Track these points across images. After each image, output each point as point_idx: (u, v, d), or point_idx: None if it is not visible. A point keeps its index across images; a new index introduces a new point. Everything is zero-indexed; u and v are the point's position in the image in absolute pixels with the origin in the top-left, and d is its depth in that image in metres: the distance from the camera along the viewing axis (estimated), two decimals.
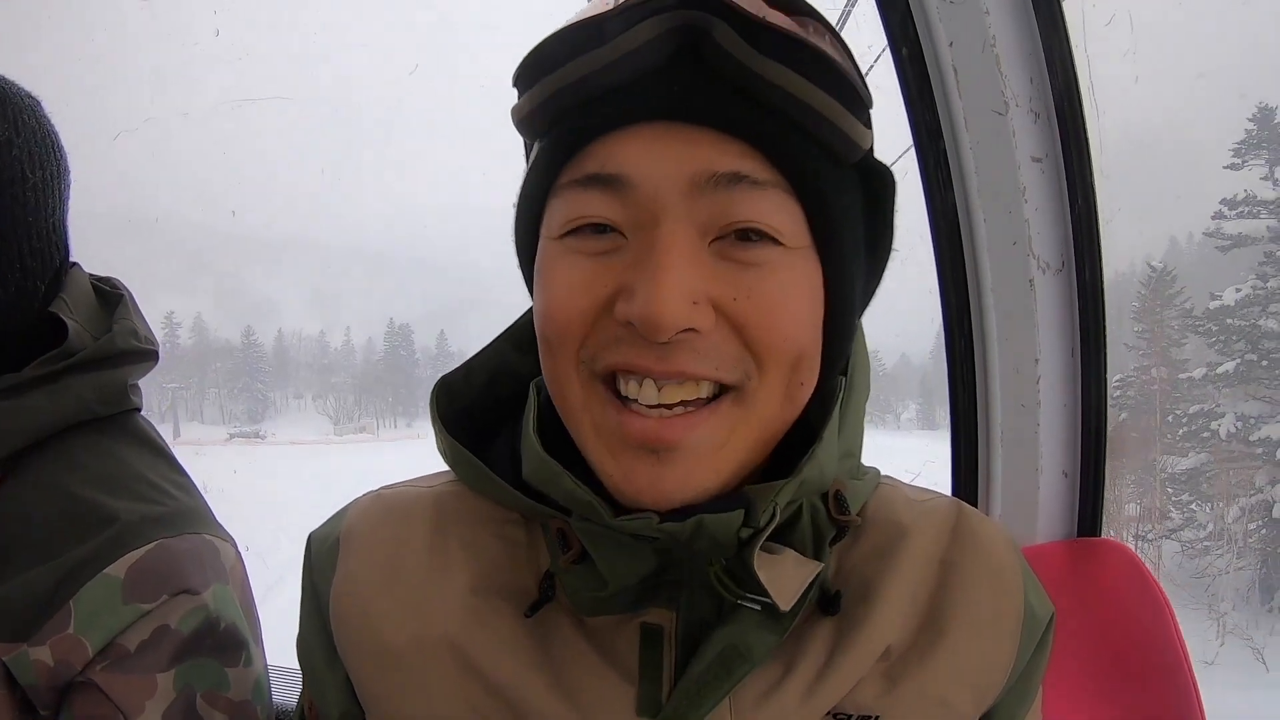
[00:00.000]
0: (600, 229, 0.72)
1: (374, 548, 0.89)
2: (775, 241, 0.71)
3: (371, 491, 0.96)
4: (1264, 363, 25.14)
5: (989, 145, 1.29)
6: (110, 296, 1.21)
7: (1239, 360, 25.60)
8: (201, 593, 1.01)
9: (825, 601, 0.83)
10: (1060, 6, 1.25)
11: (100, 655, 0.95)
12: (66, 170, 1.15)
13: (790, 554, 0.78)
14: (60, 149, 1.14)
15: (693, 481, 0.74)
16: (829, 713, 0.81)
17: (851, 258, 0.76)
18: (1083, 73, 1.27)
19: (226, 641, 1.03)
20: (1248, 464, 25.33)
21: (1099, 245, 1.32)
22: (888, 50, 1.32)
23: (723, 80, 0.69)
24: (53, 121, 1.15)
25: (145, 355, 1.19)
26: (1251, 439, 24.90)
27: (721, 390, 0.74)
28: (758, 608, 0.78)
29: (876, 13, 1.30)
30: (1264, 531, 25.48)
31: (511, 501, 0.86)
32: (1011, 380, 1.37)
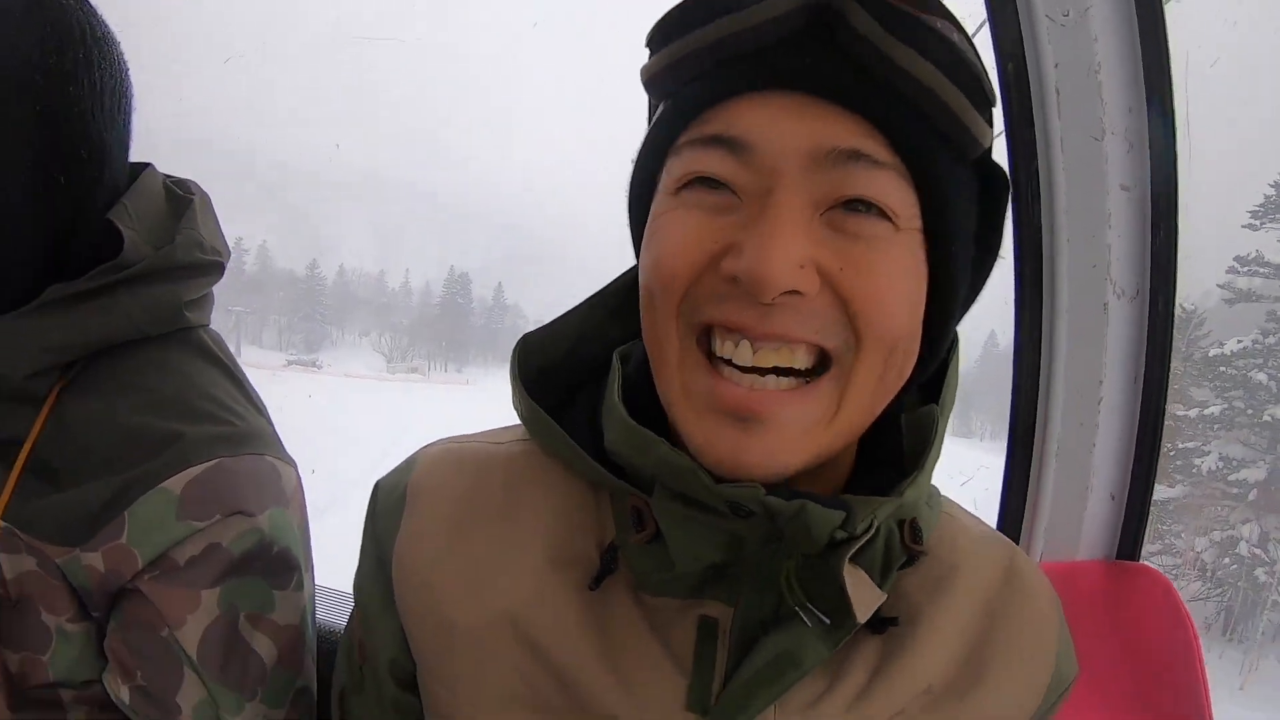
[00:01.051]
0: (716, 185, 0.68)
1: (441, 508, 0.83)
2: (888, 219, 0.66)
3: (442, 442, 0.90)
4: (1249, 411, 25.13)
5: (1081, 169, 1.21)
6: (180, 201, 1.10)
7: (1225, 405, 25.65)
8: (257, 515, 0.96)
9: (878, 623, 0.77)
10: (1166, 39, 1.18)
11: (149, 566, 0.91)
12: (125, 78, 1.02)
13: (862, 574, 0.73)
14: (111, 45, 1.00)
15: (777, 457, 0.68)
16: None
17: (960, 251, 0.71)
18: (1180, 107, 1.20)
19: (278, 565, 0.99)
20: (1224, 502, 25.34)
21: (1175, 277, 1.24)
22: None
23: (852, 59, 0.65)
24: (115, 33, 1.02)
25: (208, 268, 1.08)
26: (1230, 479, 24.92)
27: (816, 371, 0.69)
28: (826, 620, 0.73)
29: (988, 27, 1.23)
30: (1232, 566, 25.50)
31: (590, 473, 0.79)
32: (1075, 399, 1.29)
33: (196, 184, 1.13)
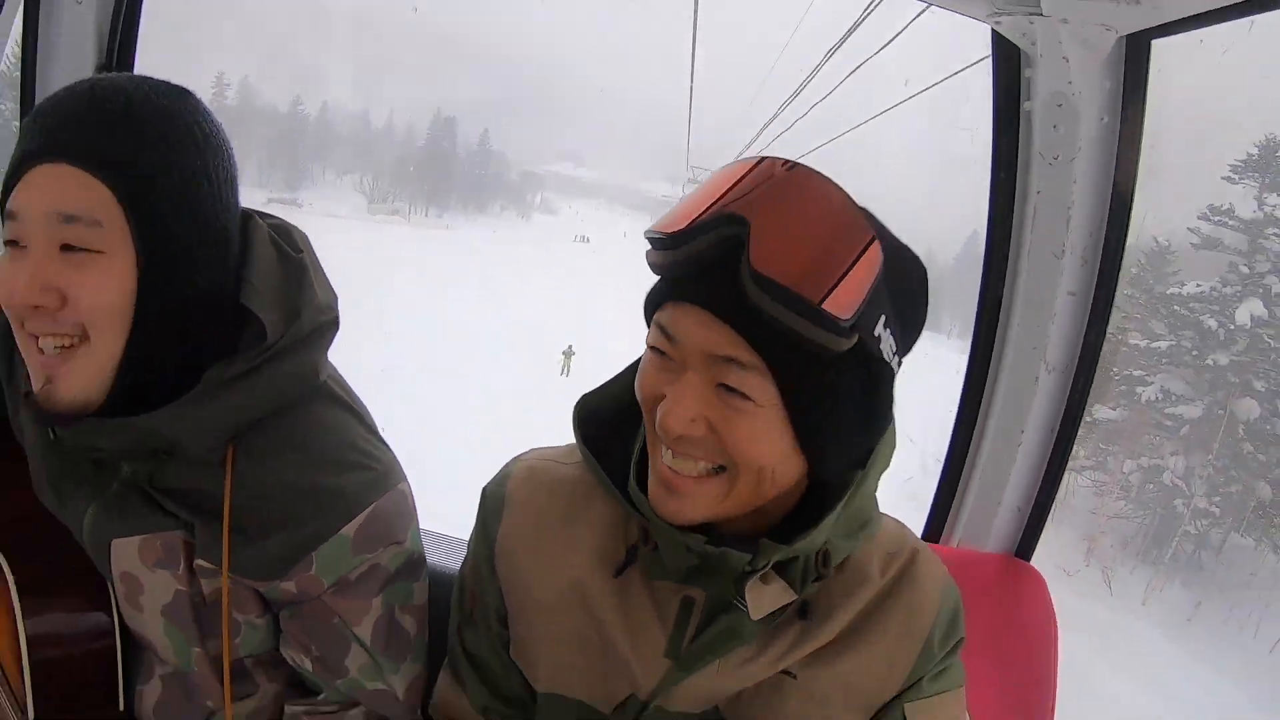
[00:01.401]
0: (662, 353, 0.99)
1: (528, 513, 1.18)
2: (750, 399, 0.94)
3: (528, 461, 1.24)
4: (1195, 352, 25.45)
5: (1039, 278, 1.50)
6: (292, 264, 1.18)
7: (1174, 342, 25.94)
8: (404, 541, 1.19)
9: (802, 612, 1.09)
10: (1134, 186, 1.44)
11: (331, 586, 1.13)
12: (224, 157, 1.09)
13: (779, 584, 1.05)
14: (211, 139, 1.07)
15: (684, 514, 1.01)
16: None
17: (821, 418, 0.97)
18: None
19: (415, 567, 1.22)
20: (1158, 432, 25.93)
21: (1096, 362, 1.56)
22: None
23: (739, 296, 0.90)
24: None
25: (329, 326, 1.19)
26: (1167, 411, 25.43)
27: (719, 469, 0.99)
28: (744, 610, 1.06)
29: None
30: (1155, 493, 26.35)
31: (620, 503, 1.12)
32: (1000, 441, 1.63)
33: (297, 230, 1.22)
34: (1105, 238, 1.46)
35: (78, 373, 1.02)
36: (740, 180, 0.93)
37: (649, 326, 1.02)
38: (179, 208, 1.03)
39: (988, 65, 1.54)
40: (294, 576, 1.11)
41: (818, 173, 0.93)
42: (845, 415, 0.98)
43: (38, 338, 1.02)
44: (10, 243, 1.01)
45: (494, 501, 1.21)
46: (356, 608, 1.16)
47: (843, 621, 1.10)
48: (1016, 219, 1.50)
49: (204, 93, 1.12)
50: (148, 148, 1.01)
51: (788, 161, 0.94)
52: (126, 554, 1.13)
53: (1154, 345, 26.21)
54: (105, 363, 1.03)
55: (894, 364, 0.99)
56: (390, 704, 1.21)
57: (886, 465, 1.09)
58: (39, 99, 1.76)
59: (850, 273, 0.90)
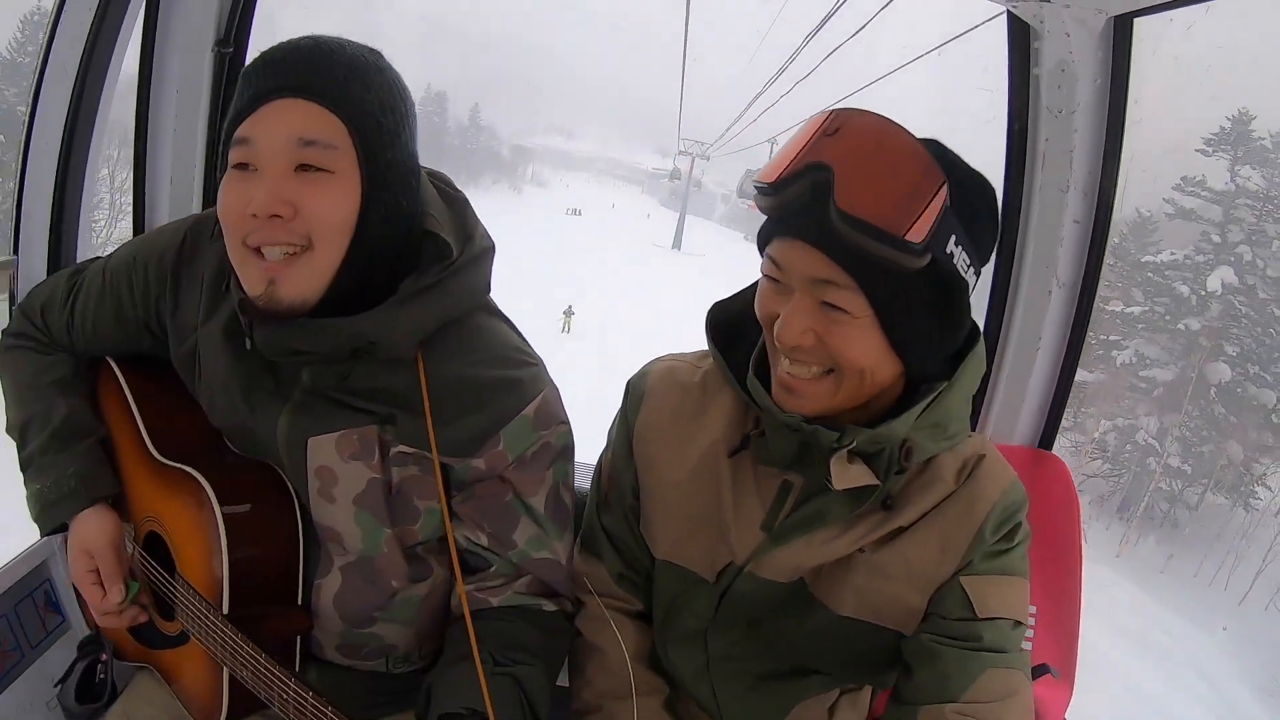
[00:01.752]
0: (775, 280, 1.15)
1: (663, 405, 1.35)
2: (847, 313, 1.09)
3: (665, 361, 1.41)
4: (1168, 317, 25.65)
5: (1049, 207, 1.82)
6: (454, 199, 1.33)
7: (1148, 308, 26.10)
8: (566, 422, 1.33)
9: (884, 503, 1.22)
10: (1122, 132, 1.75)
11: (514, 462, 1.27)
12: (413, 107, 1.22)
13: (861, 467, 1.17)
14: (405, 91, 1.21)
15: (806, 410, 1.16)
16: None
17: (907, 325, 1.10)
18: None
19: (571, 449, 1.35)
20: (1133, 394, 26.18)
21: (1098, 280, 1.86)
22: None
23: (831, 226, 1.04)
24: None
25: (490, 251, 1.32)
26: (1141, 374, 25.69)
27: (828, 371, 1.14)
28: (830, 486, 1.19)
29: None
30: (1130, 452, 26.66)
31: (740, 395, 1.27)
32: (1021, 351, 1.93)
33: (446, 176, 1.37)
34: (1101, 175, 1.77)
35: (300, 275, 1.14)
36: (819, 131, 1.06)
37: (761, 258, 1.17)
38: (392, 143, 1.16)
39: (993, 28, 1.82)
40: (484, 454, 1.25)
41: (887, 120, 1.05)
42: (926, 320, 1.11)
43: (259, 250, 1.13)
44: (240, 166, 1.13)
45: (635, 395, 1.39)
46: (533, 480, 1.29)
47: (914, 514, 1.22)
48: (1029, 162, 1.81)
49: None
50: (371, 92, 1.14)
51: (861, 111, 1.06)
52: (323, 450, 1.24)
53: (1129, 310, 26.44)
54: (325, 269, 1.15)
55: (969, 276, 1.11)
56: (555, 569, 1.33)
57: (974, 383, 1.22)
58: (155, 74, 1.89)
59: (919, 202, 1.02)
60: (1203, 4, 1.53)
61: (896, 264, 1.04)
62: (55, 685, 1.49)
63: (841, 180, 1.02)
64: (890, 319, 1.09)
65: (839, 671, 1.32)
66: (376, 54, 1.18)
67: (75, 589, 1.47)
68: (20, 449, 1.38)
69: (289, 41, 1.15)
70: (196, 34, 1.88)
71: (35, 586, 1.79)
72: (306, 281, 1.15)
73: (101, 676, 1.47)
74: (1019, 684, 1.19)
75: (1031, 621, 1.80)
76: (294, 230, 1.11)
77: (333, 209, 1.13)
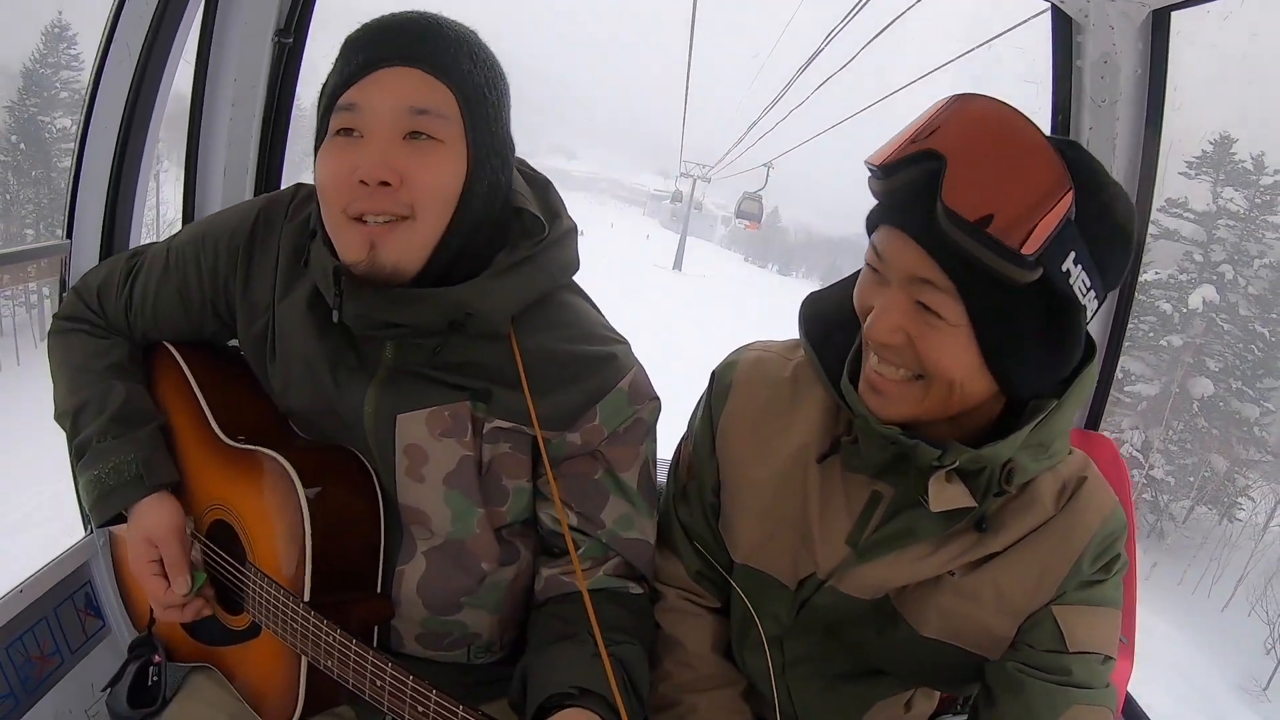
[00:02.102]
0: (875, 270, 1.06)
1: (751, 399, 1.27)
2: (941, 318, 1.00)
3: (754, 350, 1.32)
4: (1152, 334, 25.85)
5: None
6: (536, 179, 1.31)
7: (1134, 326, 26.31)
8: (658, 398, 1.29)
9: (978, 524, 1.13)
10: (1161, 123, 1.75)
11: (609, 436, 1.24)
12: (508, 86, 1.19)
13: (960, 487, 1.08)
14: (502, 69, 1.18)
15: (886, 412, 1.08)
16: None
17: (1006, 342, 1.00)
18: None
19: (656, 426, 1.32)
20: (1118, 409, 26.28)
21: (1140, 264, 1.84)
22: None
23: (936, 225, 0.95)
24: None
25: (574, 230, 1.30)
26: (1126, 389, 25.81)
27: (916, 378, 1.05)
28: (925, 504, 1.11)
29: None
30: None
31: (831, 395, 1.19)
32: None
33: (528, 164, 1.33)
34: (1142, 160, 1.78)
35: (402, 242, 1.10)
36: (939, 116, 0.97)
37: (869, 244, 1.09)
38: (496, 118, 1.15)
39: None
40: (580, 428, 1.22)
41: (1014, 111, 0.94)
42: (1028, 341, 1.00)
43: (361, 218, 1.10)
44: (343, 131, 1.10)
45: (720, 386, 1.30)
46: (627, 455, 1.27)
47: (1009, 539, 1.14)
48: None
49: None
50: (479, 67, 1.13)
51: (989, 98, 0.96)
52: (413, 427, 1.20)
53: None
54: (427, 240, 1.12)
55: (1086, 300, 0.99)
56: (643, 550, 1.29)
57: (1084, 401, 1.18)
58: (212, 61, 1.85)
59: (1038, 211, 0.91)
60: None
61: (1003, 274, 0.93)
62: (104, 689, 1.41)
63: (953, 173, 0.92)
64: (987, 333, 0.99)
65: (914, 683, 1.30)
66: (473, 31, 1.16)
67: (119, 591, 1.42)
68: (71, 435, 1.32)
69: (393, 14, 1.12)
70: (258, 23, 1.85)
71: (76, 589, 1.71)
72: (408, 249, 1.12)
73: (155, 679, 1.39)
74: None
75: None
76: (399, 199, 1.08)
77: (440, 179, 1.10)
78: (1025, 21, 2.17)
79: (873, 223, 1.06)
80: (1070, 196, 0.92)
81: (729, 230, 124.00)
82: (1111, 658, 1.14)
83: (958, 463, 1.06)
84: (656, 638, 1.32)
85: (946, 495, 1.08)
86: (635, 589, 1.28)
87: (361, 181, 1.07)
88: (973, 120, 0.95)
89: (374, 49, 1.08)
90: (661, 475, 1.39)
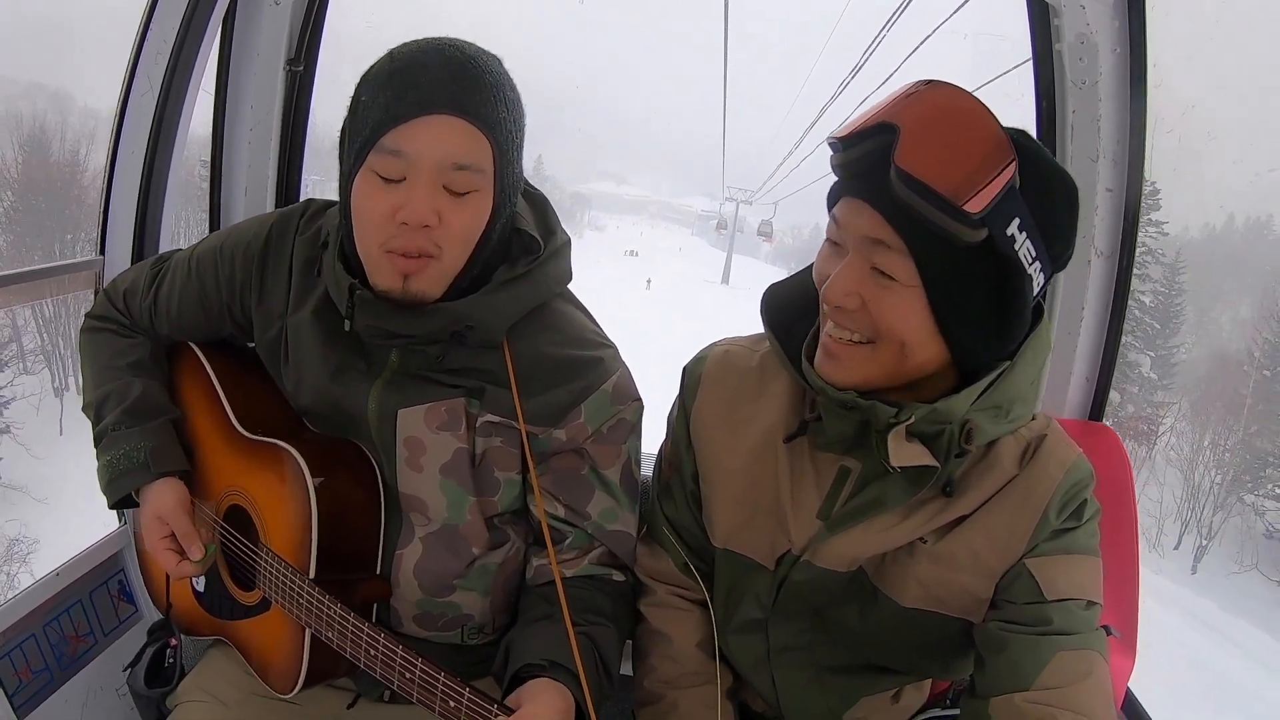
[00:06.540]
0: (834, 242, 1.09)
1: (720, 390, 1.30)
2: (894, 279, 1.02)
3: (722, 345, 1.35)
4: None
5: (1082, 175, 1.74)
6: (534, 197, 1.36)
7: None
8: (640, 400, 1.34)
9: (946, 490, 1.14)
10: (1145, 99, 1.70)
11: (593, 435, 1.29)
12: (524, 116, 1.22)
13: (919, 446, 1.09)
14: (520, 102, 1.21)
15: (841, 376, 1.10)
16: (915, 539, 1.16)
17: (956, 303, 1.02)
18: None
19: (640, 426, 1.37)
20: None
21: (1134, 246, 1.79)
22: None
23: (889, 187, 0.98)
24: None
25: (568, 244, 1.35)
26: None
27: (866, 341, 1.07)
28: (891, 469, 1.11)
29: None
30: None
31: (795, 378, 1.21)
32: (1067, 319, 1.85)
33: (529, 183, 1.36)
34: (1129, 140, 1.72)
35: (431, 277, 1.18)
36: (897, 97, 1.02)
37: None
38: (519, 156, 1.22)
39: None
40: (566, 425, 1.28)
41: (968, 94, 1.00)
42: (976, 305, 1.03)
43: (398, 253, 1.16)
44: (389, 180, 1.13)
45: (691, 380, 1.35)
46: (610, 453, 1.32)
47: (975, 501, 1.15)
48: (1059, 135, 1.77)
49: None
50: (509, 109, 1.16)
51: (947, 83, 1.01)
52: (412, 421, 1.27)
53: None
54: (451, 272, 1.20)
55: (1032, 270, 1.02)
56: (625, 541, 1.35)
57: (1037, 366, 1.13)
58: (231, 90, 1.95)
59: (982, 175, 0.96)
60: None
61: (952, 234, 0.96)
62: (124, 670, 1.50)
63: (905, 140, 0.96)
64: (938, 292, 1.02)
65: (905, 666, 1.29)
66: (500, 61, 1.18)
67: (144, 574, 1.50)
68: (95, 425, 1.41)
69: (427, 47, 1.13)
70: (269, 54, 1.95)
71: (110, 575, 1.82)
72: (436, 281, 1.19)
73: (171, 660, 1.47)
74: (1093, 665, 1.08)
75: None
76: (432, 238, 1.15)
77: (472, 223, 1.17)
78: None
79: (833, 198, 1.09)
80: (1014, 167, 0.97)
81: (773, 248, 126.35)
82: (1096, 602, 1.12)
83: (914, 418, 1.08)
84: (642, 633, 1.36)
85: (906, 452, 1.09)
86: (617, 576, 1.34)
87: (403, 223, 1.13)
88: (929, 98, 1.00)
89: (423, 91, 1.10)
90: (648, 472, 1.43)
